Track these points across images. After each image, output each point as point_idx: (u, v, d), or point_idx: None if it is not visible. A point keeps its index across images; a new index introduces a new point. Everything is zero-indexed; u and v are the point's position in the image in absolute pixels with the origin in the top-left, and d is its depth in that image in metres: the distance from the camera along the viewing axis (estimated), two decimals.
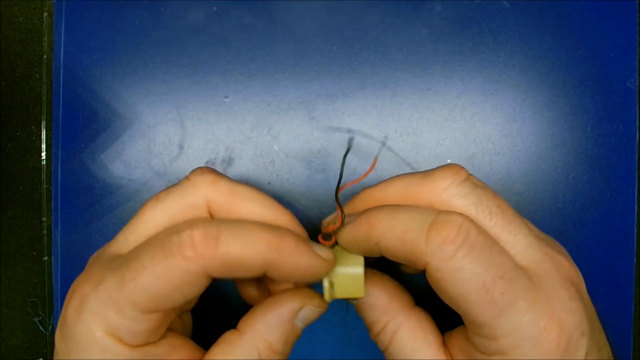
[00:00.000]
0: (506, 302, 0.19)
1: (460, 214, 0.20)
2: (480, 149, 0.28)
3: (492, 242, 0.20)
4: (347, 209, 0.24)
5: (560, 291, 0.20)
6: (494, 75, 0.28)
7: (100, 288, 0.20)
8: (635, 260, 0.28)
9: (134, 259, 0.20)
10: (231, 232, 0.20)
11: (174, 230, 0.20)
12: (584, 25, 0.28)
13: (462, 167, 0.22)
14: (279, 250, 0.20)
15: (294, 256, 0.20)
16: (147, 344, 0.21)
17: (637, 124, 0.28)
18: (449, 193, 0.21)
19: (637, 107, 0.28)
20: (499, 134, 0.28)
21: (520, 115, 0.28)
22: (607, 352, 0.22)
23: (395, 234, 0.20)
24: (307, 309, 0.22)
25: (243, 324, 0.22)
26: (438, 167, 0.22)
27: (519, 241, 0.21)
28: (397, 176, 0.23)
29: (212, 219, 0.21)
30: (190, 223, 0.20)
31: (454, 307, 0.21)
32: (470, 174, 0.22)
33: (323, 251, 0.21)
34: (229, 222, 0.20)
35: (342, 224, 0.22)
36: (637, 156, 0.28)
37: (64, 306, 0.21)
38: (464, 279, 0.19)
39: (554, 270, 0.21)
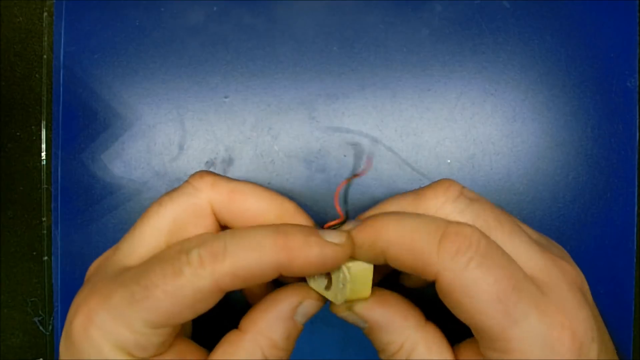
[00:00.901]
0: (519, 313, 0.19)
1: (470, 225, 0.20)
2: (480, 149, 0.28)
3: (502, 252, 0.20)
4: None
5: (569, 298, 0.20)
6: (494, 75, 0.28)
7: (110, 303, 0.20)
8: (635, 260, 0.28)
9: (144, 276, 0.20)
10: (235, 242, 0.20)
11: (182, 248, 0.20)
12: (584, 25, 0.28)
13: (454, 182, 0.22)
14: (287, 248, 0.19)
15: (304, 250, 0.20)
16: (156, 355, 0.21)
17: (637, 124, 0.28)
18: (444, 212, 0.21)
19: (637, 107, 0.28)
20: (499, 134, 0.28)
21: (520, 115, 0.28)
22: (612, 352, 0.22)
23: (403, 243, 0.20)
24: (307, 303, 0.22)
25: (244, 322, 0.22)
26: (430, 185, 0.22)
27: (522, 252, 0.21)
28: (389, 199, 0.23)
29: (217, 234, 0.21)
30: (197, 241, 0.20)
31: (465, 320, 0.20)
32: (464, 187, 0.22)
33: (336, 237, 0.20)
34: (232, 233, 0.20)
35: (346, 219, 0.22)
36: (637, 156, 0.28)
37: (68, 318, 0.21)
38: (478, 290, 0.19)
39: (559, 277, 0.21)
